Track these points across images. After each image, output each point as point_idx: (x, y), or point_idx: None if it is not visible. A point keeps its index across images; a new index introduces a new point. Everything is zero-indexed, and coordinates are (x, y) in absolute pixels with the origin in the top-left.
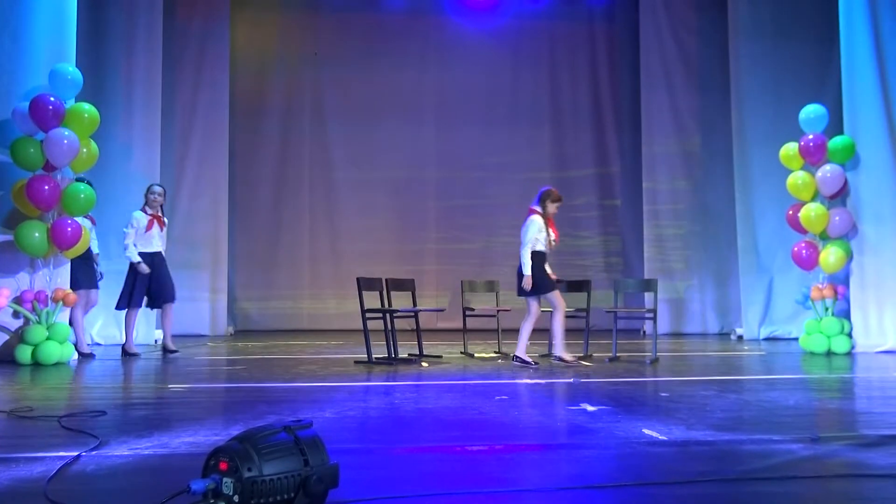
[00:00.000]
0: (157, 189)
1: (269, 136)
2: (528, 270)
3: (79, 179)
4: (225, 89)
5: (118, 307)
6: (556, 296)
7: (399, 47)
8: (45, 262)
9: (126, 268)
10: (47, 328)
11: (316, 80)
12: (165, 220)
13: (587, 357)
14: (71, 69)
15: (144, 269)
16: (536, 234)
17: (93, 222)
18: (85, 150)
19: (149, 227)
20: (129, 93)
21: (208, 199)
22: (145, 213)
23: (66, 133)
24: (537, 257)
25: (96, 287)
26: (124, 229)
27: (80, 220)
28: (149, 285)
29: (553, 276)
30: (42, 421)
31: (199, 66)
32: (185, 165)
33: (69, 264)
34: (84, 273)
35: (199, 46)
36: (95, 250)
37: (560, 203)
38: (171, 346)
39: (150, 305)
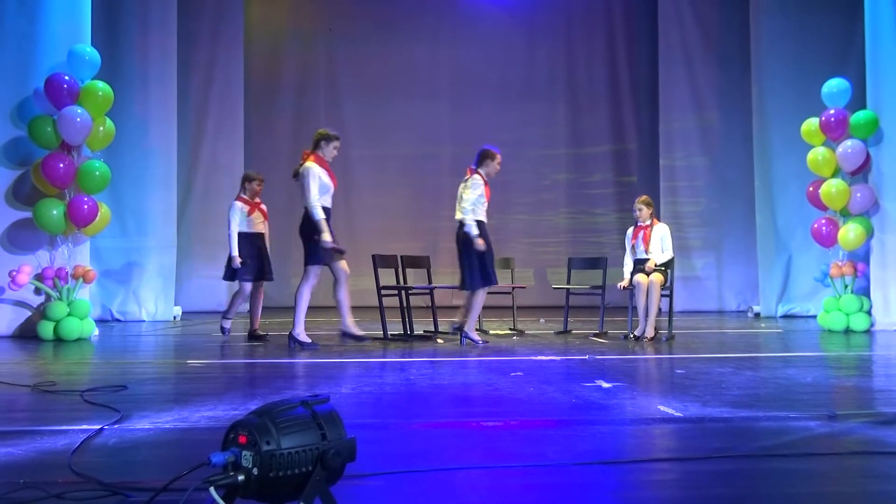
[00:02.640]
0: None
1: (284, 114)
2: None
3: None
4: (240, 67)
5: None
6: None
7: (413, 22)
8: (65, 240)
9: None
10: (68, 304)
11: (330, 56)
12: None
13: (602, 334)
14: (89, 50)
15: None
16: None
17: (335, 183)
18: (101, 127)
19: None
20: (144, 70)
21: (225, 177)
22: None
23: (80, 111)
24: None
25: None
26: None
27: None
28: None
29: None
30: (65, 395)
31: (214, 43)
32: (202, 143)
33: (88, 242)
34: (324, 249)
35: (214, 23)
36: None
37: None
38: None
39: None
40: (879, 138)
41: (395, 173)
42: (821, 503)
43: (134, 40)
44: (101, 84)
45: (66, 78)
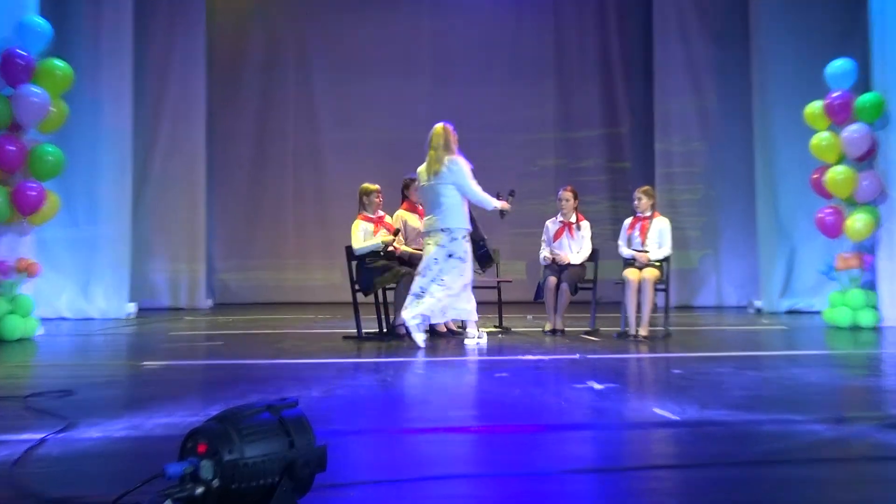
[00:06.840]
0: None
1: (249, 92)
2: None
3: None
4: (201, 39)
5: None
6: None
7: None
8: (7, 229)
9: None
10: (10, 301)
11: (300, 29)
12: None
13: (594, 332)
14: (41, 21)
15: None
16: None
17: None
18: (54, 108)
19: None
20: (95, 43)
21: (184, 160)
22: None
23: (38, 91)
24: None
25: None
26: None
27: None
28: None
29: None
30: (5, 401)
31: (173, 13)
32: (160, 124)
33: (33, 232)
34: None
35: None
36: None
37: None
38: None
39: None
40: (886, 122)
41: (371, 158)
42: None
43: (84, 10)
44: (60, 62)
45: (23, 53)
